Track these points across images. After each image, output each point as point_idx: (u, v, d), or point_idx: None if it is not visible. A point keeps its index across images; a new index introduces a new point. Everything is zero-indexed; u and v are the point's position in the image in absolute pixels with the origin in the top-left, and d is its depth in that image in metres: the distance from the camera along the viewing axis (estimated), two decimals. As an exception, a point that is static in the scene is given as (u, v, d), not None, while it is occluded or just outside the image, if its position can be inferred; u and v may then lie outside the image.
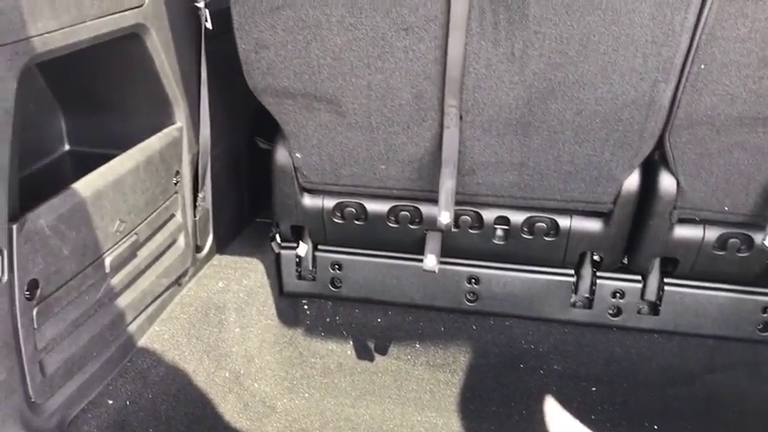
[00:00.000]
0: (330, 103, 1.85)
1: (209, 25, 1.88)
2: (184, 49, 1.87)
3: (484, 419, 1.99)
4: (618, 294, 2.15)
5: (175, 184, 1.91)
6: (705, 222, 1.96)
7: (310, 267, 2.26)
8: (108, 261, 1.63)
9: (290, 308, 2.30)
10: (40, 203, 1.43)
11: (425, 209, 2.04)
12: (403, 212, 2.06)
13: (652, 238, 1.99)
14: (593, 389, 2.11)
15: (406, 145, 1.90)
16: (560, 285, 2.16)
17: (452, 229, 1.98)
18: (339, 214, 2.11)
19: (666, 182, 1.89)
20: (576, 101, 1.75)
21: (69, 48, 1.43)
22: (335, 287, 2.27)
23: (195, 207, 2.04)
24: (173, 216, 1.92)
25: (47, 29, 1.34)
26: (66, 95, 1.87)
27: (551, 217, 2.01)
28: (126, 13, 1.60)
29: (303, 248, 2.24)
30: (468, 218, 2.04)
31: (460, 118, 1.82)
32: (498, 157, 1.89)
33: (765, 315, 2.11)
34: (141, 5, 1.66)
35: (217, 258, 2.23)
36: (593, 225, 2.01)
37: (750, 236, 1.95)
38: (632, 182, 1.91)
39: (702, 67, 1.66)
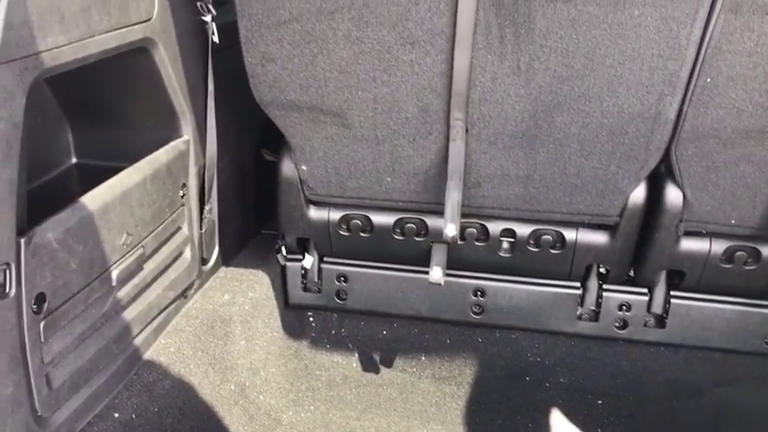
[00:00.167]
0: (336, 116, 1.86)
1: (216, 39, 1.89)
2: (192, 62, 1.88)
3: (490, 433, 1.98)
4: (624, 307, 2.14)
5: (182, 196, 1.92)
6: (712, 235, 1.95)
7: (316, 279, 2.26)
8: (115, 274, 1.63)
9: (296, 320, 2.30)
10: (47, 217, 1.43)
11: (431, 221, 2.04)
12: (409, 225, 2.06)
13: (658, 251, 1.98)
14: (600, 402, 2.10)
15: (411, 157, 1.91)
16: (566, 298, 2.16)
17: (458, 242, 1.98)
18: (345, 226, 2.11)
19: (673, 195, 1.89)
20: (582, 114, 1.75)
21: (78, 62, 1.44)
22: (341, 299, 2.27)
23: (201, 219, 2.04)
24: (179, 228, 1.93)
25: (56, 44, 1.35)
26: (74, 108, 1.88)
27: (557, 229, 2.01)
28: (134, 27, 1.61)
29: (309, 260, 2.24)
30: (473, 230, 2.04)
31: (466, 131, 1.82)
32: (504, 170, 1.89)
33: (773, 328, 2.11)
34: (149, 19, 1.67)
35: (222, 270, 2.23)
36: (600, 238, 2.00)
37: (757, 249, 1.94)
38: (638, 195, 1.91)
39: (709, 80, 1.66)
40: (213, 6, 1.88)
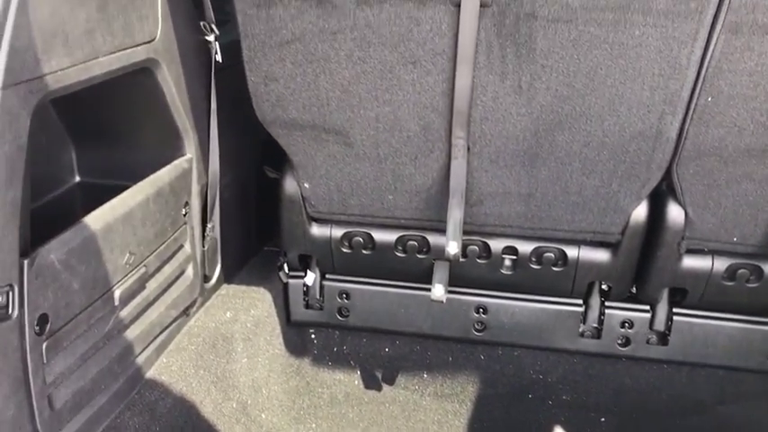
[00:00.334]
0: (338, 134, 1.86)
1: (219, 58, 1.90)
2: (194, 81, 1.89)
3: (493, 451, 1.98)
4: (627, 324, 2.14)
5: (184, 215, 1.92)
6: (714, 253, 1.95)
7: (318, 296, 2.26)
8: (117, 294, 1.63)
9: (298, 337, 2.30)
10: (50, 238, 1.43)
11: (433, 238, 2.04)
12: (411, 242, 2.06)
13: (661, 269, 1.98)
14: (602, 419, 2.09)
15: (413, 175, 1.91)
16: (569, 315, 2.16)
17: (460, 259, 1.98)
18: (347, 244, 2.11)
19: (674, 212, 1.89)
20: (584, 133, 1.75)
21: (82, 84, 1.44)
22: (343, 316, 2.27)
23: (204, 237, 2.05)
24: (181, 247, 1.93)
25: (60, 66, 1.36)
26: (77, 128, 1.89)
27: (559, 247, 2.01)
28: (138, 48, 1.62)
29: (311, 277, 2.24)
30: (475, 248, 2.04)
31: (468, 149, 1.83)
32: (506, 188, 1.90)
33: (776, 345, 2.10)
34: (153, 40, 1.68)
35: (225, 288, 2.23)
36: (602, 255, 2.00)
37: (759, 266, 1.94)
38: (640, 212, 1.92)
39: (710, 99, 1.66)
40: (216, 26, 1.89)
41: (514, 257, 2.05)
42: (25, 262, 1.34)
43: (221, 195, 2.09)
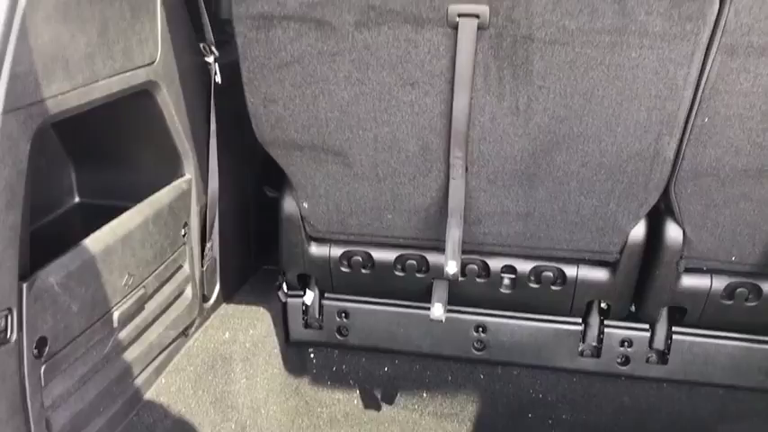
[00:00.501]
0: (337, 154, 1.87)
1: (218, 79, 1.91)
2: (194, 102, 1.90)
3: (492, 472, 1.97)
4: (626, 343, 2.14)
5: (183, 235, 1.92)
6: (712, 272, 1.95)
7: (317, 315, 2.26)
8: (116, 315, 1.63)
9: (297, 356, 2.29)
10: (49, 261, 1.44)
11: (432, 258, 2.05)
12: (410, 261, 2.07)
13: (659, 288, 1.98)
14: (603, 439, 2.09)
15: (412, 195, 1.92)
16: (568, 334, 2.15)
17: (459, 278, 1.98)
18: (346, 263, 2.11)
19: (673, 232, 1.89)
20: (581, 153, 1.76)
21: (82, 107, 1.45)
22: (342, 335, 2.26)
23: (203, 257, 2.05)
24: (180, 267, 1.93)
25: (60, 90, 1.37)
26: (77, 149, 1.90)
27: (558, 266, 2.02)
28: (137, 71, 1.63)
29: (310, 296, 2.24)
30: (474, 266, 2.05)
31: (466, 169, 1.84)
32: (504, 208, 1.90)
33: (776, 364, 2.10)
34: (152, 63, 1.69)
35: (223, 307, 2.23)
36: (600, 274, 2.01)
37: (758, 285, 1.94)
38: (638, 232, 1.92)
39: (706, 120, 1.67)
40: (215, 46, 1.90)
41: (513, 276, 2.05)
42: (24, 285, 1.34)
43: (220, 215, 2.09)
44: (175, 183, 1.88)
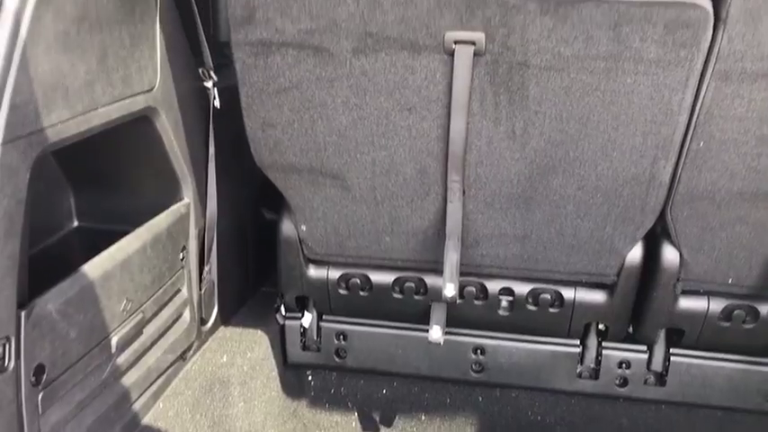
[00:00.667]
0: (335, 178, 1.88)
1: (217, 104, 1.93)
2: (192, 127, 1.91)
3: (491, 496, 1.96)
4: (624, 365, 2.14)
5: (182, 259, 1.93)
6: (709, 294, 1.96)
7: (315, 338, 2.26)
8: (114, 341, 1.63)
9: (295, 379, 2.29)
10: (47, 286, 1.44)
11: (430, 280, 2.05)
12: (408, 284, 2.07)
13: (657, 310, 1.99)
14: (602, 462, 2.09)
15: (410, 218, 1.93)
16: (566, 356, 2.16)
17: (457, 301, 1.99)
18: (344, 285, 2.11)
19: (669, 254, 1.90)
20: (578, 177, 1.77)
21: (81, 135, 1.46)
22: (340, 357, 2.26)
23: (201, 280, 2.05)
24: (179, 291, 1.93)
25: (60, 119, 1.38)
26: (76, 174, 1.91)
27: (556, 288, 2.02)
28: (137, 97, 1.64)
29: (308, 318, 2.24)
30: (472, 289, 2.05)
31: (463, 192, 1.85)
32: (501, 230, 1.91)
33: (774, 386, 2.10)
34: (152, 89, 1.70)
35: (221, 330, 2.23)
36: (598, 297, 2.01)
37: (755, 307, 1.95)
38: (635, 254, 1.93)
39: (701, 144, 1.69)
40: (214, 70, 1.92)
41: (511, 299, 2.05)
42: (22, 313, 1.34)
43: (218, 238, 2.10)
44: (174, 207, 1.88)
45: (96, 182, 1.91)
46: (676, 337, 2.07)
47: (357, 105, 1.74)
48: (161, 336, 1.87)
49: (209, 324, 2.15)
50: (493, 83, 1.67)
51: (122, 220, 1.79)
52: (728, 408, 2.14)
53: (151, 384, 1.84)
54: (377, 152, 1.81)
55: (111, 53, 1.52)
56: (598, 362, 2.14)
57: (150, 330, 1.80)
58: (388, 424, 2.21)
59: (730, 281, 1.91)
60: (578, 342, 2.15)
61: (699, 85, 1.61)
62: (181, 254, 1.92)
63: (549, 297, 2.03)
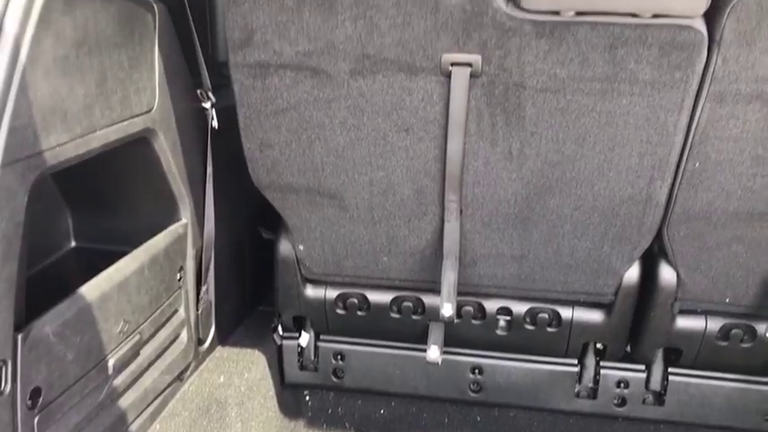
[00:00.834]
0: (333, 198, 1.88)
1: (215, 124, 1.94)
2: (190, 147, 1.92)
3: None
4: (622, 384, 2.13)
5: (179, 279, 1.93)
6: (707, 313, 1.96)
7: (312, 357, 2.25)
8: (111, 363, 1.63)
9: (292, 399, 2.28)
10: (45, 309, 1.44)
11: (428, 299, 2.05)
12: (405, 303, 2.07)
13: (654, 329, 1.99)
14: (601, 482, 2.07)
15: (407, 237, 1.93)
16: (564, 375, 2.15)
17: (455, 320, 1.98)
18: (341, 305, 2.11)
19: (667, 274, 1.90)
20: (574, 197, 1.78)
21: (80, 157, 1.46)
22: (338, 377, 2.25)
23: (198, 301, 2.05)
24: (176, 311, 1.93)
25: (59, 141, 1.38)
26: (74, 194, 1.91)
27: (553, 308, 2.02)
28: (135, 119, 1.65)
29: (305, 338, 2.24)
30: (470, 308, 2.05)
31: (461, 212, 1.85)
32: (499, 250, 1.91)
33: (772, 405, 2.10)
34: (150, 111, 1.71)
35: (218, 350, 2.22)
36: (595, 316, 2.01)
37: (752, 326, 1.95)
38: (633, 274, 1.93)
39: (697, 164, 1.70)
40: (212, 91, 1.93)
41: (509, 318, 2.05)
42: (19, 336, 1.34)
43: (216, 258, 2.10)
44: (171, 227, 1.88)
45: (94, 202, 1.91)
46: (674, 357, 2.07)
47: (354, 126, 1.75)
48: (158, 357, 1.86)
49: (207, 344, 2.14)
50: (489, 104, 1.68)
51: (120, 241, 1.79)
52: (727, 427, 2.13)
53: (148, 406, 1.83)
54: (374, 172, 1.82)
55: (109, 76, 1.53)
56: (596, 381, 2.14)
57: (147, 351, 1.79)
58: (386, 444, 2.20)
59: (727, 300, 1.91)
60: (576, 361, 2.14)
61: (694, 106, 1.63)
62: (178, 274, 1.92)
63: (547, 316, 2.03)
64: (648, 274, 1.93)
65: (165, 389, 1.91)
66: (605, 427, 2.19)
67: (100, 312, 1.57)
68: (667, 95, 1.60)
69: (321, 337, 2.24)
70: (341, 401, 2.28)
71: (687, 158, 1.69)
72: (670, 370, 2.10)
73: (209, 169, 1.98)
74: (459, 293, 1.91)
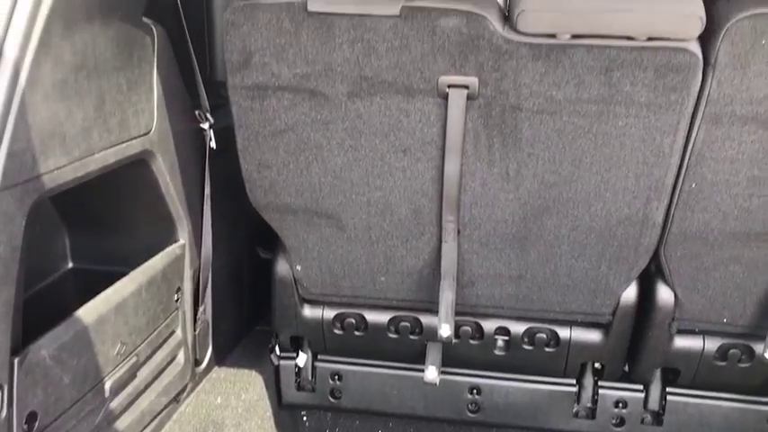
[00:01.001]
0: (330, 218, 1.89)
1: (213, 145, 1.94)
2: (188, 168, 1.92)
3: None
4: (621, 404, 2.13)
5: (176, 300, 1.92)
6: (704, 333, 1.96)
7: (310, 378, 2.24)
8: (108, 385, 1.62)
9: (290, 420, 2.27)
10: (41, 333, 1.43)
11: (425, 320, 2.04)
12: (403, 323, 2.07)
13: (652, 349, 1.99)
14: (600, 503, 2.06)
15: (405, 257, 1.93)
16: (562, 395, 2.14)
17: (453, 340, 1.98)
18: (339, 325, 2.11)
19: (664, 294, 1.91)
20: (571, 217, 1.78)
21: (78, 180, 1.47)
22: (335, 398, 2.24)
23: (195, 321, 2.04)
24: (173, 332, 1.92)
25: (57, 165, 1.38)
26: (71, 215, 1.91)
27: (551, 328, 2.02)
28: (133, 141, 1.65)
29: (302, 358, 2.23)
30: (468, 328, 2.05)
31: (458, 232, 1.85)
32: (496, 270, 1.91)
33: (770, 424, 2.09)
34: (148, 132, 1.71)
35: (215, 371, 2.21)
36: (593, 336, 2.01)
37: (750, 346, 1.95)
38: (630, 294, 1.93)
39: (693, 185, 1.70)
40: (210, 112, 1.94)
41: (507, 338, 2.05)
42: (16, 360, 1.33)
43: (213, 278, 2.10)
44: (169, 248, 1.88)
45: (92, 223, 1.91)
46: (672, 377, 2.06)
47: (352, 147, 1.76)
48: (155, 378, 1.85)
49: (204, 365, 2.13)
50: (486, 125, 1.68)
51: (117, 262, 1.79)
52: (726, 447, 2.12)
53: (144, 428, 1.82)
54: (372, 193, 1.82)
55: (108, 99, 1.53)
56: (594, 401, 2.13)
57: (144, 373, 1.79)
58: (384, 465, 2.19)
59: (725, 320, 1.91)
60: (574, 381, 2.14)
61: (690, 127, 1.64)
62: (176, 295, 1.91)
63: (545, 336, 2.03)
64: (646, 294, 1.93)
65: (162, 411, 1.90)
66: (604, 447, 2.18)
67: (97, 335, 1.56)
68: (663, 117, 1.61)
69: (318, 357, 2.23)
70: (338, 422, 2.27)
71: (683, 179, 1.70)
72: (668, 390, 2.10)
73: (207, 190, 1.98)
74: (457, 313, 1.90)
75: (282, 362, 2.24)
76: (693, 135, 1.65)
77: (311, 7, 1.60)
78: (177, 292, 1.92)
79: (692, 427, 2.11)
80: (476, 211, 1.81)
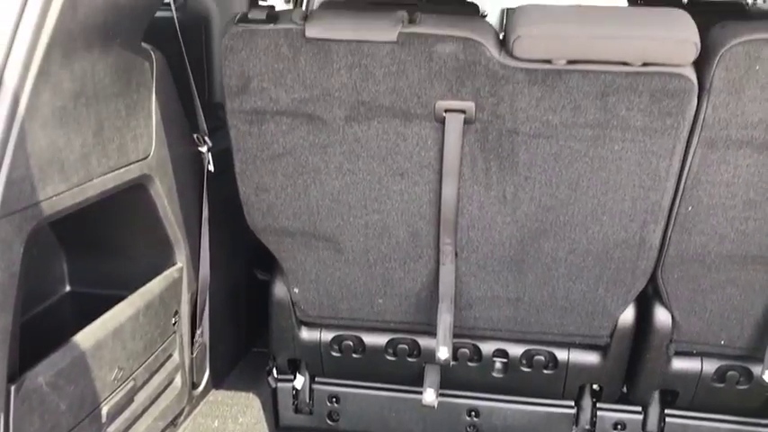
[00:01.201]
0: (328, 240, 1.89)
1: (211, 168, 1.95)
2: (186, 192, 1.92)
3: None
4: (619, 426, 2.12)
5: (174, 324, 1.92)
6: (702, 355, 1.96)
7: (307, 400, 2.23)
8: (105, 410, 1.61)
9: (287, 443, 2.26)
10: (38, 358, 1.42)
11: (423, 342, 2.04)
12: (401, 345, 2.06)
13: (650, 371, 1.98)
14: None
15: (403, 280, 1.93)
16: (561, 417, 2.14)
17: (451, 363, 1.98)
18: (337, 347, 2.10)
19: (662, 316, 1.91)
20: (569, 240, 1.79)
21: (77, 206, 1.47)
22: (333, 420, 2.23)
23: (192, 344, 2.04)
24: (170, 356, 1.92)
25: (56, 191, 1.39)
26: (69, 239, 1.91)
27: (549, 350, 2.02)
28: (131, 166, 1.66)
29: (300, 381, 2.22)
30: (466, 350, 2.04)
31: (456, 255, 1.86)
32: (494, 292, 1.92)
33: (771, 445, 2.09)
34: (147, 157, 1.72)
35: (213, 394, 2.20)
36: (591, 358, 2.01)
37: (749, 368, 1.95)
38: (628, 316, 1.93)
39: (690, 208, 1.71)
40: (208, 136, 1.94)
41: (505, 360, 2.05)
42: (12, 388, 1.33)
43: (211, 300, 2.09)
44: (167, 272, 1.88)
45: (89, 247, 1.91)
46: (671, 398, 2.06)
47: (350, 170, 1.76)
48: (152, 403, 1.84)
49: (201, 388, 2.13)
50: (483, 149, 1.69)
51: (115, 285, 1.79)
52: (724, 469, 2.12)
53: (141, 453, 1.81)
54: (370, 215, 1.83)
55: (107, 125, 1.54)
56: (593, 423, 2.12)
57: (141, 398, 1.78)
58: (382, 489, 2.17)
59: (723, 342, 1.91)
60: (573, 403, 2.13)
61: (685, 151, 1.65)
62: (173, 318, 1.91)
63: (543, 358, 2.03)
64: (643, 316, 1.94)
65: (159, 435, 1.89)
66: (603, 469, 2.17)
67: (94, 360, 1.56)
68: (659, 141, 1.62)
69: (316, 379, 2.22)
70: (336, 445, 2.26)
71: (680, 202, 1.71)
72: (667, 411, 2.09)
73: (205, 213, 1.99)
74: (455, 336, 1.90)
75: (280, 384, 2.23)
76: (689, 159, 1.66)
77: (309, 33, 1.61)
78: (175, 316, 1.92)
79: (691, 449, 2.11)
80: (473, 233, 1.81)
